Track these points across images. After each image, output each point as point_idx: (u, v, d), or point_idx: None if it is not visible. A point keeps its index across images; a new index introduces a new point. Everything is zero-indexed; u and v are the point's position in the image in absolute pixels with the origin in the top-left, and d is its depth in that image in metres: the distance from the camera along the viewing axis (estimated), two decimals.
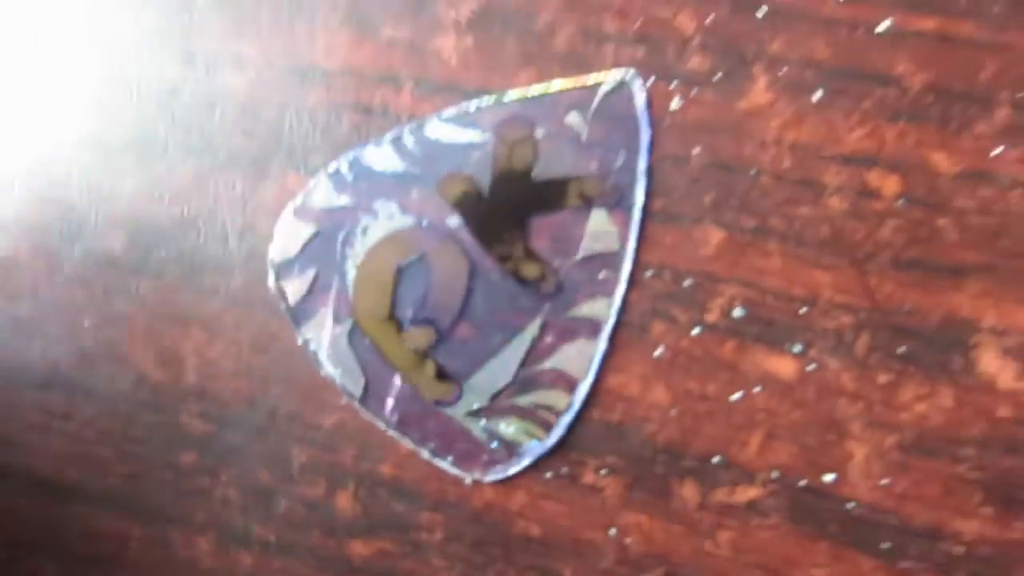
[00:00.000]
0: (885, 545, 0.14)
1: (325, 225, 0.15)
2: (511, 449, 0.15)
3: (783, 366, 0.14)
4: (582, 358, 0.14)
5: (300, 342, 0.15)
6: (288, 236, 0.15)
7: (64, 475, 0.18)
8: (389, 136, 0.15)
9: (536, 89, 0.14)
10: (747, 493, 0.14)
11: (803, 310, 0.14)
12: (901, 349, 0.14)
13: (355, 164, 0.14)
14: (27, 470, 0.19)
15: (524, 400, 0.14)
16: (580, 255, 0.14)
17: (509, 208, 0.14)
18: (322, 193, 0.15)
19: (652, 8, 0.14)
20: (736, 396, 0.14)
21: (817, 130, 0.14)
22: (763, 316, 0.14)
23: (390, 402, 0.15)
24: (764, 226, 0.14)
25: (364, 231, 0.14)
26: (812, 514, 0.14)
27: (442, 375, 0.14)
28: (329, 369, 0.15)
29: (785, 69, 0.14)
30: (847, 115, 0.14)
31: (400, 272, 0.14)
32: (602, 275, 0.14)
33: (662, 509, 0.14)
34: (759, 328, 0.14)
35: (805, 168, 0.14)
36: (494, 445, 0.15)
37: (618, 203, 0.14)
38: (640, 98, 0.14)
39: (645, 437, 0.14)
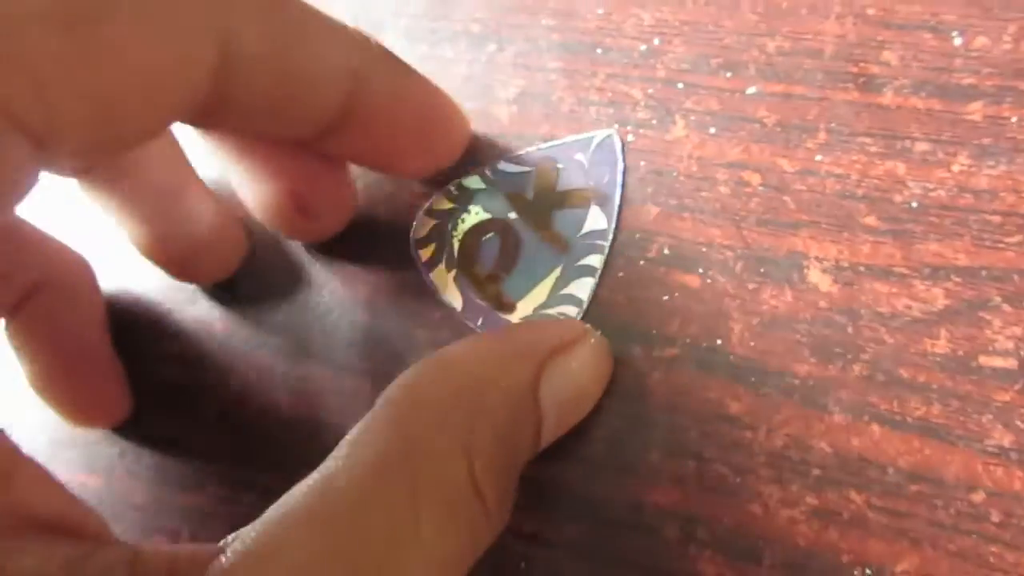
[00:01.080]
0: (752, 379, 0.22)
1: (441, 219, 0.25)
2: None
3: (692, 280, 0.23)
4: (585, 288, 0.23)
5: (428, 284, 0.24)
6: (420, 226, 0.25)
7: None
8: (476, 170, 0.25)
9: (557, 141, 0.25)
10: (671, 351, 0.23)
11: (704, 249, 0.23)
12: (762, 270, 0.23)
13: (457, 185, 0.25)
14: None
15: (551, 311, 0.23)
16: (583, 231, 0.24)
17: (544, 207, 0.24)
18: (439, 201, 0.25)
19: (617, 85, 0.25)
20: (665, 298, 0.23)
21: (712, 150, 0.24)
22: (681, 253, 0.23)
23: (478, 315, 0.24)
24: (681, 204, 0.24)
25: (463, 221, 0.24)
26: (709, 363, 0.22)
27: (504, 299, 0.23)
28: (442, 297, 0.24)
29: (693, 117, 0.24)
30: (730, 141, 0.24)
31: (481, 244, 0.24)
32: (597, 242, 0.24)
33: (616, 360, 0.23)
34: (677, 259, 0.23)
35: (705, 171, 0.24)
36: None
37: (605, 202, 0.23)
38: (617, 144, 0.24)
39: (617, 324, 0.23)
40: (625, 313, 0.23)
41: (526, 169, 0.24)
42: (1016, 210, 0.21)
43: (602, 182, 0.23)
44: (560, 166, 0.24)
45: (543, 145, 0.24)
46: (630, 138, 0.24)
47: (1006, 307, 0.21)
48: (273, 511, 0.16)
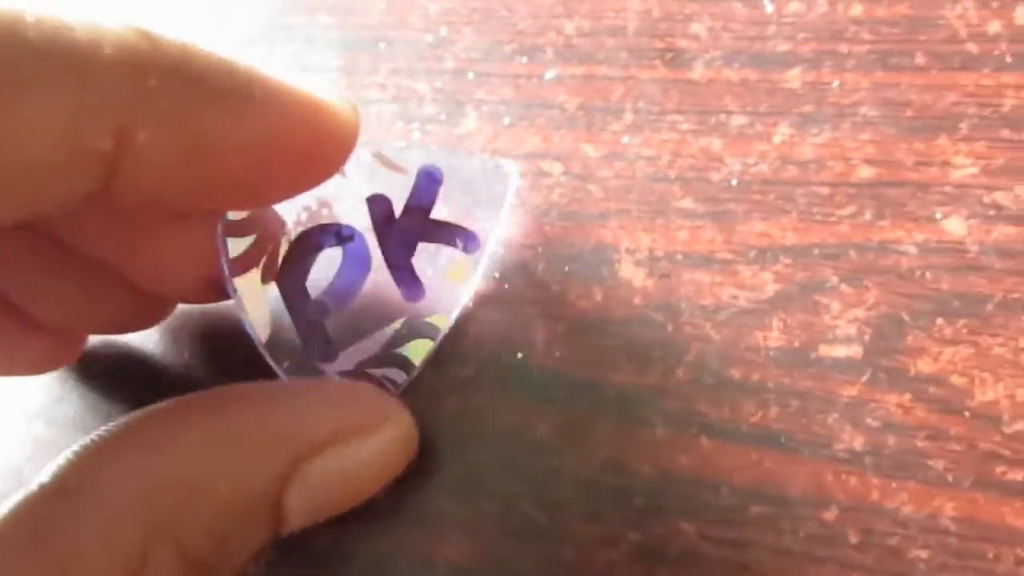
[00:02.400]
0: (561, 395, 0.18)
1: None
2: None
3: (487, 286, 0.19)
4: (421, 352, 0.18)
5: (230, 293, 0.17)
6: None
7: None
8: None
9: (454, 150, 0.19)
10: (465, 371, 0.19)
11: (500, 251, 0.19)
12: (566, 268, 0.19)
13: None
14: None
15: (376, 372, 0.18)
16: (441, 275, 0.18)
17: (409, 233, 0.18)
18: None
19: (401, 80, 0.22)
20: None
21: (508, 141, 0.20)
22: None
23: (285, 357, 0.17)
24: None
25: (301, 214, 0.18)
26: (510, 381, 0.18)
27: (325, 342, 0.17)
28: (243, 317, 0.17)
29: (486, 108, 0.21)
30: (527, 130, 0.20)
31: (316, 258, 0.18)
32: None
33: None
34: None
35: None
36: None
37: (475, 250, 0.18)
38: (513, 179, 0.19)
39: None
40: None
41: (403, 172, 0.18)
42: (846, 179, 0.18)
43: (480, 223, 0.18)
44: (444, 185, 0.18)
45: (435, 148, 0.20)
46: (415, 135, 0.21)
47: (844, 287, 0.17)
48: None
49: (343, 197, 0.18)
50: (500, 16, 0.21)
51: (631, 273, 0.18)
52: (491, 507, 0.17)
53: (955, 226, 0.18)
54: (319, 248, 0.18)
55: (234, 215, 0.17)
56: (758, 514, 0.16)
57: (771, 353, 0.17)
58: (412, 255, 0.18)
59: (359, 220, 0.18)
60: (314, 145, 0.15)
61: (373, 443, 0.16)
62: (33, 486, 0.14)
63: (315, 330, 0.18)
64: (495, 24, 0.21)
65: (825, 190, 0.18)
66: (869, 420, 0.16)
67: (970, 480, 0.16)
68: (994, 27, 0.19)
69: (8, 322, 0.18)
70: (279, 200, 0.16)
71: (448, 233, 0.18)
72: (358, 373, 0.18)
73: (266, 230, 0.17)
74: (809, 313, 0.17)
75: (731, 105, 0.20)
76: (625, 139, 0.20)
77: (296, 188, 0.16)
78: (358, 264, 0.18)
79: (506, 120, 0.20)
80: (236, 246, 0.17)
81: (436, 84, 0.21)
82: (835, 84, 0.19)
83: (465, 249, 0.18)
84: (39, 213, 0.14)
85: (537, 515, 0.17)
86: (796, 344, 0.17)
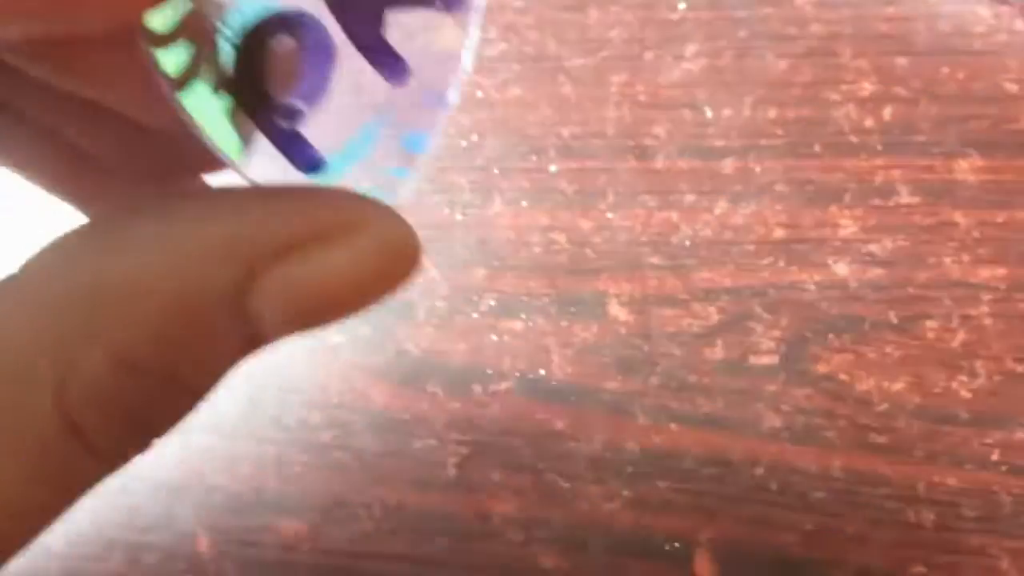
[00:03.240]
0: (572, 398, 0.25)
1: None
2: None
3: (516, 324, 0.27)
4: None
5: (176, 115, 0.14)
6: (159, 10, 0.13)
7: None
8: None
9: None
10: (505, 384, 0.26)
11: (524, 298, 0.27)
12: (572, 309, 0.26)
13: None
14: None
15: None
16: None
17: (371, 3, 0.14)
18: None
19: (446, 176, 0.29)
20: (494, 338, 0.27)
21: (526, 219, 0.28)
22: (505, 303, 0.27)
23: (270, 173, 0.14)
24: (504, 264, 0.28)
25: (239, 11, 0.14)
26: (536, 390, 0.26)
27: (308, 152, 0.14)
28: (204, 136, 0.14)
29: (509, 194, 0.29)
30: (539, 210, 0.28)
31: (269, 51, 0.14)
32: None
33: None
34: (503, 309, 0.27)
35: (521, 236, 0.28)
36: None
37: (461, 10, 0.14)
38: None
39: (457, 368, 0.27)
40: (463, 358, 0.26)
41: None
42: (766, 238, 0.26)
43: None
44: None
45: None
46: (458, 217, 0.28)
47: (766, 315, 0.25)
48: None
49: None
50: (514, 126, 0.29)
51: (617, 311, 0.26)
52: (527, 479, 0.24)
53: (841, 269, 0.25)
54: (266, 42, 0.14)
55: (157, 24, 0.13)
56: (710, 474, 0.23)
57: (716, 363, 0.25)
58: (381, 29, 0.14)
59: (307, 2, 0.14)
60: None
61: (345, 249, 0.13)
62: None
63: (293, 141, 0.14)
64: (511, 132, 0.29)
65: (752, 247, 0.26)
66: (784, 407, 0.24)
67: (851, 443, 0.23)
68: (868, 123, 0.27)
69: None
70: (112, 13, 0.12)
71: None
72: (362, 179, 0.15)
73: (199, 33, 0.14)
74: (742, 334, 0.25)
75: (684, 187, 0.27)
76: (609, 215, 0.27)
77: None
78: (321, 53, 0.14)
79: (524, 203, 0.28)
80: (168, 58, 0.14)
81: (471, 177, 0.29)
82: (757, 169, 0.27)
83: (447, 7, 0.14)
84: None
85: (560, 481, 0.24)
86: (734, 356, 0.25)
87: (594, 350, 0.25)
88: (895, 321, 0.24)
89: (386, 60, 0.13)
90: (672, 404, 0.24)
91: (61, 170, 0.18)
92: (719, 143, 0.27)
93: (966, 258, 0.24)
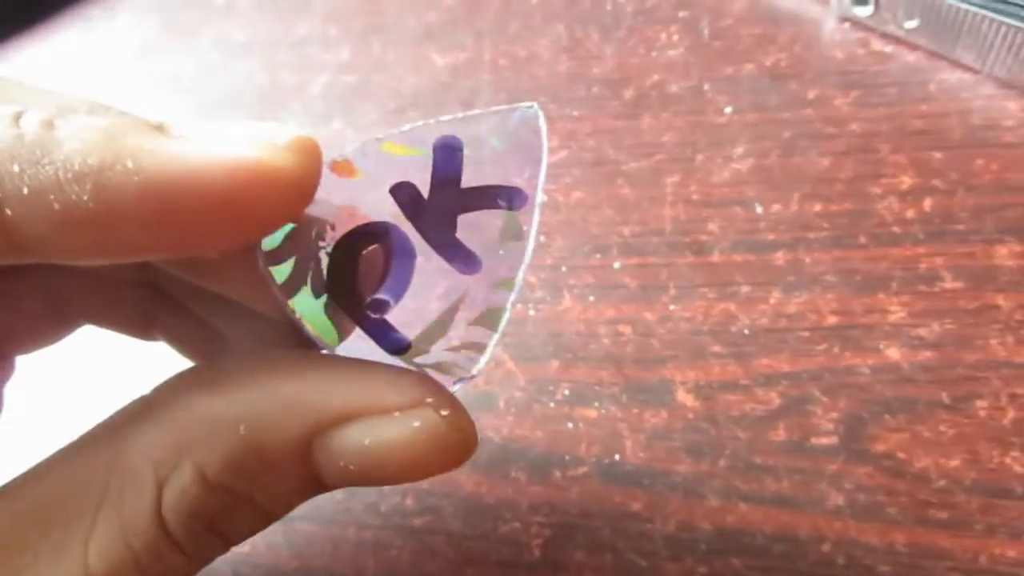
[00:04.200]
0: (646, 481, 0.27)
1: (301, 226, 0.16)
2: (456, 370, 0.17)
3: (590, 412, 0.29)
4: (498, 320, 0.17)
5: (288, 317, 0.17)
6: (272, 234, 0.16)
7: None
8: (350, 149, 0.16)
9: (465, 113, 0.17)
10: (582, 469, 0.28)
11: (596, 387, 0.29)
12: (641, 397, 0.28)
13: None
14: None
15: (457, 356, 0.17)
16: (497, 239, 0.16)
17: (443, 208, 0.16)
18: None
19: None
20: (570, 426, 0.29)
21: (593, 313, 0.30)
22: (579, 392, 0.29)
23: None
24: (575, 356, 0.30)
25: (331, 227, 0.16)
26: (612, 474, 0.27)
27: (397, 335, 0.17)
28: (309, 334, 0.17)
29: (576, 290, 0.31)
30: (605, 304, 0.30)
31: (362, 259, 0.16)
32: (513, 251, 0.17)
33: None
34: (577, 398, 0.29)
35: (590, 328, 0.30)
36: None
37: (523, 205, 0.16)
38: (542, 123, 0.16)
39: (538, 454, 0.29)
40: (543, 445, 0.28)
41: (419, 152, 0.16)
42: (819, 325, 0.28)
43: (521, 176, 0.16)
44: (466, 151, 0.16)
45: (444, 118, 0.16)
46: (531, 313, 0.30)
47: (824, 398, 0.26)
48: None
49: (366, 197, 0.16)
50: (579, 226, 0.31)
51: (684, 398, 0.28)
52: (607, 558, 0.26)
53: (893, 353, 0.27)
54: (358, 251, 0.16)
55: (268, 243, 0.16)
56: (780, 550, 0.25)
57: (779, 445, 0.26)
58: (455, 230, 0.16)
59: (390, 211, 0.16)
60: (232, 198, 0.13)
61: (396, 425, 0.15)
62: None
63: (381, 327, 0.16)
64: (576, 232, 0.31)
65: (807, 333, 0.28)
66: (846, 485, 0.25)
67: (912, 519, 0.24)
68: (910, 214, 0.29)
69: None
70: (228, 246, 0.14)
71: (485, 197, 0.16)
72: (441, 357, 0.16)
73: (303, 250, 0.16)
74: (802, 416, 0.26)
75: (739, 279, 0.29)
76: (672, 307, 0.29)
77: (236, 236, 0.14)
78: (402, 253, 0.16)
79: (591, 298, 0.30)
80: (280, 273, 0.16)
81: (541, 275, 0.31)
82: (807, 260, 0.29)
83: (511, 207, 0.16)
84: None
85: (639, 560, 0.26)
86: (795, 438, 0.26)
87: (664, 435, 0.27)
88: (947, 401, 0.25)
89: (460, 255, 0.16)
90: (740, 485, 0.26)
91: (200, 342, 0.23)
92: (770, 237, 0.29)
93: (1010, 339, 0.26)
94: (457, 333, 0.17)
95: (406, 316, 0.17)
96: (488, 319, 0.16)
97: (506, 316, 0.17)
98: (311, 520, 0.29)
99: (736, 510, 0.25)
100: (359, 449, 0.15)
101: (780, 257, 0.29)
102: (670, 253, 0.30)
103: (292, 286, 0.16)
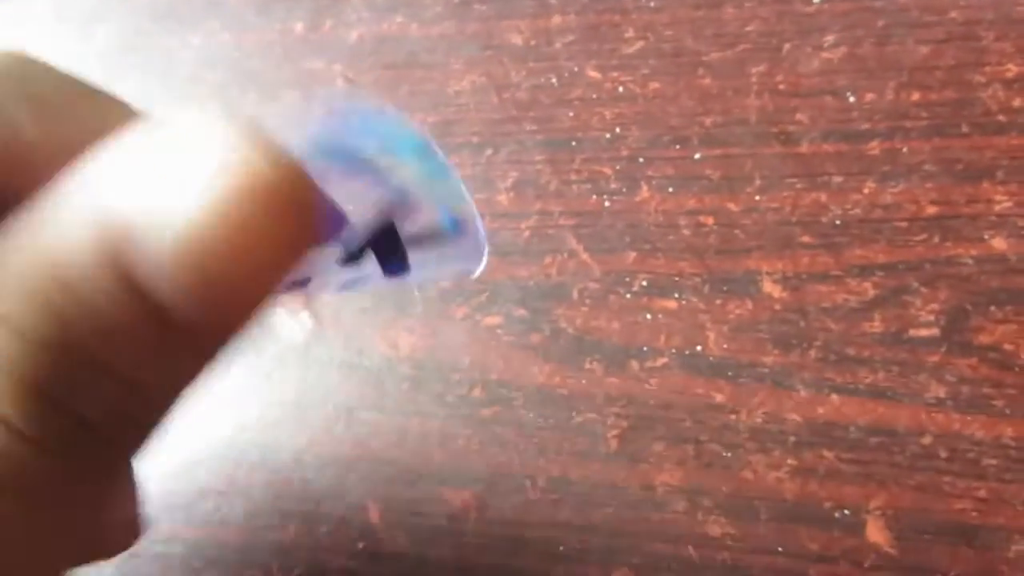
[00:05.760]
0: (730, 373, 0.25)
1: None
2: None
3: (670, 304, 0.27)
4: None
5: None
6: None
7: None
8: None
9: None
10: (661, 360, 0.26)
11: (676, 279, 0.27)
12: (725, 288, 0.26)
13: None
14: None
15: None
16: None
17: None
18: None
19: (592, 167, 0.30)
20: (649, 317, 0.27)
21: (673, 204, 0.28)
22: (658, 284, 0.27)
23: None
24: (654, 247, 0.28)
25: None
26: (693, 366, 0.26)
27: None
28: None
29: (655, 182, 0.29)
30: (685, 195, 0.28)
31: None
32: None
33: None
34: (656, 289, 0.27)
35: (669, 220, 0.28)
36: None
37: None
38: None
39: (615, 346, 0.27)
40: (619, 336, 0.26)
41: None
42: (918, 215, 0.26)
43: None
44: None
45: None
46: (607, 204, 0.29)
47: (923, 289, 0.24)
48: None
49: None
50: (656, 117, 0.29)
51: (771, 288, 0.26)
52: (689, 450, 0.24)
53: (999, 244, 0.24)
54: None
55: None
56: (876, 442, 0.23)
57: (875, 336, 0.24)
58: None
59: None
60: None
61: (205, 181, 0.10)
62: None
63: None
64: (654, 123, 0.29)
65: (904, 224, 0.26)
66: (948, 377, 0.23)
67: (1022, 412, 0.22)
68: (1016, 103, 0.26)
69: None
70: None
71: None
72: None
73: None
74: (899, 308, 0.24)
75: (830, 169, 0.27)
76: (757, 197, 0.27)
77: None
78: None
79: (670, 189, 0.28)
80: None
81: (617, 167, 0.29)
82: (904, 150, 0.27)
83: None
84: None
85: (723, 451, 0.24)
86: (892, 329, 0.24)
87: (749, 326, 0.25)
88: None
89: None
90: (833, 376, 0.24)
91: None
92: (863, 126, 0.27)
93: None
94: None
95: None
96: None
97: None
98: (375, 410, 0.27)
99: (828, 402, 0.24)
100: (172, 232, 0.10)
101: (875, 147, 0.27)
102: (755, 143, 0.28)
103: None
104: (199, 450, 0.28)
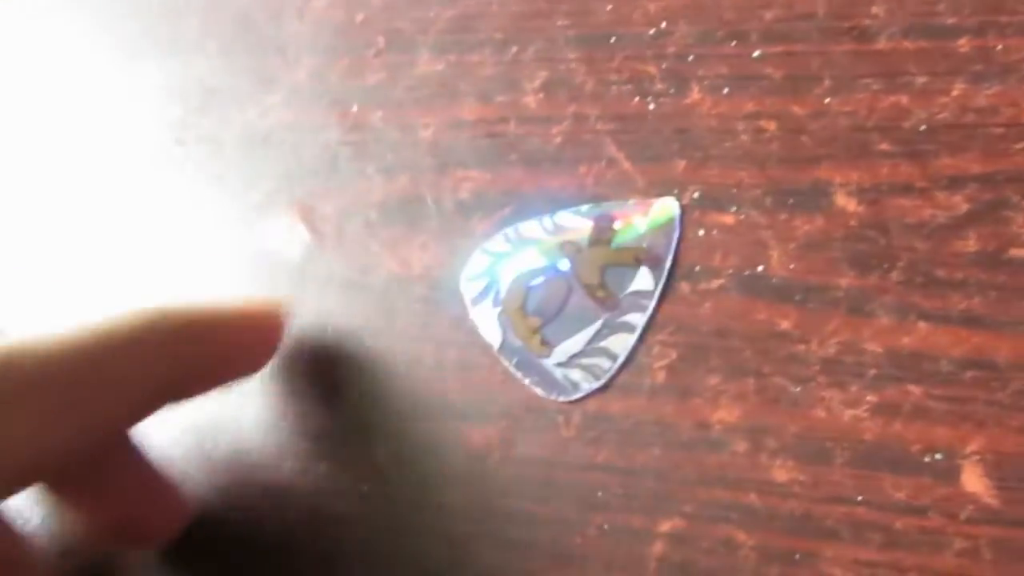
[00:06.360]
0: (797, 297, 0.22)
1: (494, 259, 0.23)
2: (575, 387, 0.22)
3: (726, 218, 0.23)
4: (621, 344, 0.22)
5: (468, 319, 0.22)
6: (474, 262, 0.23)
7: None
8: (537, 218, 0.23)
9: (618, 201, 0.23)
10: (717, 282, 0.23)
11: (734, 190, 0.23)
12: (790, 201, 0.23)
13: (516, 230, 0.23)
14: None
15: (584, 360, 0.22)
16: (629, 290, 0.22)
17: (596, 261, 0.22)
18: (496, 243, 0.23)
19: (634, 65, 0.26)
20: (702, 234, 0.23)
21: (728, 107, 0.24)
22: (712, 195, 0.23)
23: (514, 355, 0.22)
24: (707, 155, 0.24)
25: (515, 264, 0.23)
26: (754, 288, 0.22)
27: (543, 342, 0.22)
28: (480, 333, 0.23)
29: (707, 82, 0.25)
30: (743, 97, 0.24)
31: (529, 288, 0.22)
32: (641, 301, 0.22)
33: None
34: (710, 201, 0.23)
35: (725, 124, 0.24)
36: (568, 383, 0.22)
37: (656, 265, 0.22)
38: (677, 213, 0.23)
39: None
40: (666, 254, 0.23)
41: (584, 223, 0.23)
42: (1017, 120, 0.22)
43: (656, 245, 0.22)
44: (617, 225, 0.23)
45: (606, 204, 0.23)
46: (651, 107, 0.25)
47: None
48: None
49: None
50: (708, 10, 0.25)
51: (845, 202, 0.22)
52: (750, 384, 0.21)
53: None
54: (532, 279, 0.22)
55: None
56: (973, 377, 0.20)
57: (970, 256, 0.21)
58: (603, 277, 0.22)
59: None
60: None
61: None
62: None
63: (533, 333, 0.22)
64: (706, 17, 0.25)
65: (1001, 130, 0.22)
66: None
67: None
68: None
69: None
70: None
71: (627, 256, 0.22)
72: (569, 363, 0.22)
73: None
74: (998, 225, 0.21)
75: (913, 69, 0.23)
76: (826, 100, 0.23)
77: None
78: (559, 287, 0.22)
79: (725, 90, 0.24)
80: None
81: (663, 65, 0.25)
82: (999, 47, 0.23)
83: (645, 264, 0.22)
84: None
85: (790, 386, 0.20)
86: (990, 249, 0.21)
87: (820, 244, 0.22)
88: None
89: (601, 295, 0.22)
90: (920, 301, 0.20)
91: None
92: (950, 21, 0.23)
93: None
94: (586, 351, 0.22)
95: (553, 331, 0.22)
96: (611, 347, 0.21)
97: (632, 342, 0.22)
98: (382, 335, 0.23)
99: (915, 330, 0.20)
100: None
101: (964, 44, 0.23)
102: (824, 40, 0.24)
103: (479, 299, 0.23)
104: None
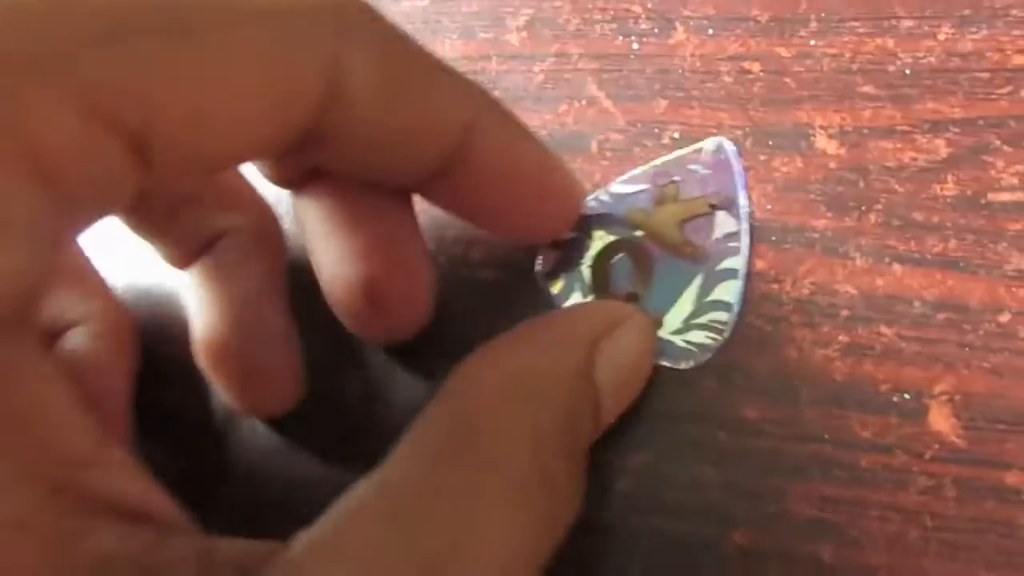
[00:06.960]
0: (773, 237, 0.21)
1: (565, 250, 0.22)
2: (702, 350, 0.20)
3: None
4: (731, 291, 0.20)
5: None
6: (545, 260, 0.22)
7: None
8: (589, 195, 0.22)
9: (667, 156, 0.22)
10: None
11: (714, 130, 0.23)
12: (770, 142, 0.22)
13: None
14: None
15: (702, 319, 0.20)
16: (715, 236, 0.21)
17: (669, 220, 0.21)
18: None
19: (619, 4, 0.25)
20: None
21: (713, 47, 0.24)
22: (692, 136, 0.23)
23: None
24: (688, 95, 0.24)
25: (588, 248, 0.21)
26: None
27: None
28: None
29: (692, 22, 0.24)
30: (728, 38, 0.24)
31: (612, 267, 0.21)
32: (731, 244, 0.21)
33: None
34: (689, 141, 0.23)
35: (708, 65, 0.24)
36: (692, 349, 0.20)
37: (731, 205, 0.21)
38: (730, 148, 0.22)
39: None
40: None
41: (641, 187, 0.22)
42: (1003, 66, 0.21)
43: (723, 186, 0.21)
44: (676, 178, 0.22)
45: (655, 162, 0.22)
46: (635, 46, 0.24)
47: (1007, 148, 0.21)
48: (337, 505, 0.14)
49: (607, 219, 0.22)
50: None
51: (825, 144, 0.22)
52: (725, 319, 0.21)
53: None
54: (608, 260, 0.22)
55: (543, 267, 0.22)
56: (945, 319, 0.19)
57: (948, 200, 0.20)
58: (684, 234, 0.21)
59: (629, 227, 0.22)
60: (552, 191, 0.20)
61: (634, 327, 0.19)
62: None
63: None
64: None
65: (985, 75, 0.21)
66: None
67: None
68: None
69: None
70: (509, 230, 0.21)
71: (698, 204, 0.22)
72: (688, 327, 0.20)
73: (568, 266, 0.22)
74: (978, 169, 0.20)
75: (900, 11, 0.23)
76: (812, 42, 0.23)
77: (522, 229, 0.21)
78: (644, 258, 0.21)
79: (710, 31, 0.24)
80: (555, 287, 0.22)
81: (648, 4, 0.25)
82: None
83: (721, 207, 0.21)
84: (253, 143, 0.15)
85: (763, 325, 0.20)
86: (968, 193, 0.20)
87: (799, 186, 0.21)
88: None
89: (689, 251, 0.21)
90: (896, 244, 0.20)
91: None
92: None
93: None
94: (699, 309, 0.21)
95: (656, 302, 0.21)
96: (723, 296, 0.21)
97: (739, 291, 0.21)
98: None
99: (889, 272, 0.20)
100: (622, 355, 0.19)
101: None
102: None
103: (565, 294, 0.21)
104: None
